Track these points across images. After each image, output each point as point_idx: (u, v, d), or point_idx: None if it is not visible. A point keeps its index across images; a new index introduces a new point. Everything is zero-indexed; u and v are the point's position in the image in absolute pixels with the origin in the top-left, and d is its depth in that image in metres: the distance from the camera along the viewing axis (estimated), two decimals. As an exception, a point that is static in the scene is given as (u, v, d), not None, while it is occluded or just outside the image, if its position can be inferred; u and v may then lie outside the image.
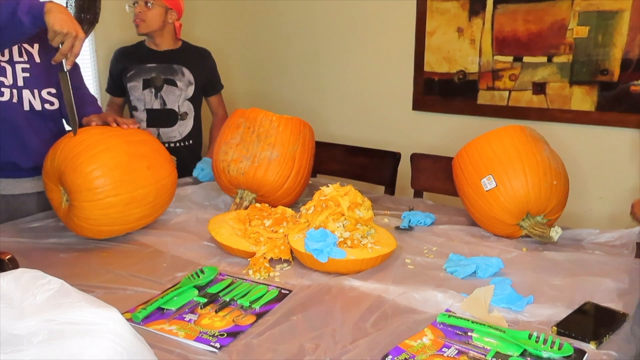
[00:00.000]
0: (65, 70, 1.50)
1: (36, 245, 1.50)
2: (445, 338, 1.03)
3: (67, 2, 2.52)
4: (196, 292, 1.22)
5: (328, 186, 1.46)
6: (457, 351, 0.99)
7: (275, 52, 3.36)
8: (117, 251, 1.49)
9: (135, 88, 2.35)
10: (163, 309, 1.15)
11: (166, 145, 2.32)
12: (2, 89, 1.66)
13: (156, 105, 2.35)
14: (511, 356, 0.97)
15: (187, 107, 2.40)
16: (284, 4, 3.26)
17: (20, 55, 1.70)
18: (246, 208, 1.68)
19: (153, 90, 2.34)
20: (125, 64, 2.38)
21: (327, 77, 3.13)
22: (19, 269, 0.80)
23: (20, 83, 1.69)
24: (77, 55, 1.47)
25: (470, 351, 0.99)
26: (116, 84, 2.43)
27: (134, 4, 2.26)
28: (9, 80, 1.67)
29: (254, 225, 1.50)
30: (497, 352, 0.98)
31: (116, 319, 0.74)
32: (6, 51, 1.67)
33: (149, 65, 2.35)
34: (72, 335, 0.70)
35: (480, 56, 2.68)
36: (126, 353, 0.72)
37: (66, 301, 0.75)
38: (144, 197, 1.53)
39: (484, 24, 2.64)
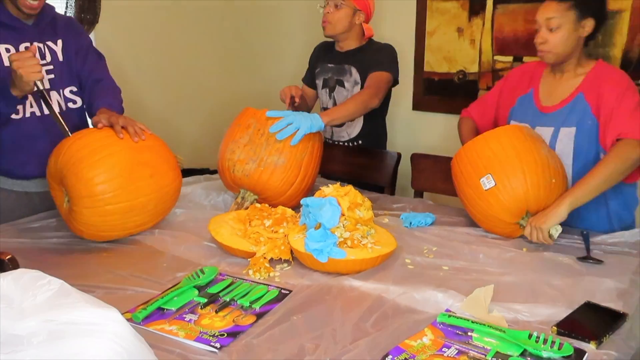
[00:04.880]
0: (41, 88, 1.52)
1: (36, 245, 1.50)
2: (445, 338, 1.03)
3: (67, 2, 2.53)
4: (196, 292, 1.22)
5: (328, 186, 1.46)
6: (457, 351, 0.99)
7: (273, 49, 3.36)
8: (117, 251, 1.49)
9: (318, 86, 2.37)
10: (163, 309, 1.15)
11: (336, 143, 2.36)
12: (28, 99, 1.65)
13: (330, 104, 2.32)
14: (511, 356, 0.97)
15: None
16: (284, 4, 3.26)
17: (43, 57, 1.70)
18: (247, 209, 1.67)
19: (327, 90, 2.33)
20: (316, 60, 2.39)
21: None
22: (19, 269, 0.80)
23: (46, 85, 1.69)
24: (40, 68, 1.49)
25: (470, 351, 0.99)
26: (310, 75, 2.42)
27: (326, 3, 2.20)
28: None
29: (254, 225, 1.50)
30: (497, 352, 0.98)
31: (116, 319, 0.74)
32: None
33: (329, 65, 2.33)
34: (72, 335, 0.70)
35: (480, 56, 2.68)
36: (126, 353, 0.72)
37: (66, 301, 0.75)
38: (144, 205, 1.51)
39: (483, 24, 2.64)
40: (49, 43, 1.72)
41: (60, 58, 1.74)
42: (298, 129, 1.70)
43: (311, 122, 1.74)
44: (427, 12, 2.80)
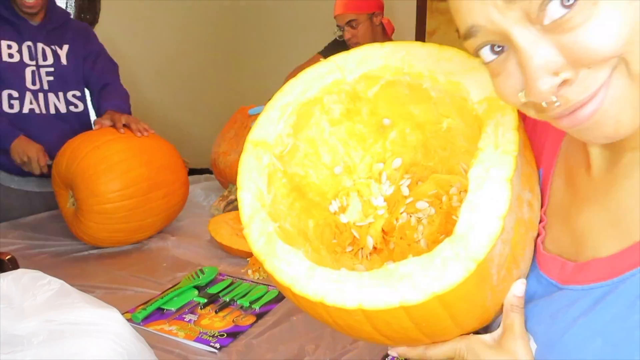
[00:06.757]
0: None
1: (36, 246, 1.50)
2: (445, 338, 1.03)
3: (67, 2, 2.53)
4: (196, 292, 1.22)
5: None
6: (457, 351, 0.99)
7: (272, 49, 3.36)
8: (117, 251, 1.49)
9: None
10: (163, 309, 1.15)
11: None
12: (27, 96, 1.67)
13: None
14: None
15: None
16: (285, 3, 3.26)
17: (45, 58, 1.72)
18: (231, 202, 1.69)
19: None
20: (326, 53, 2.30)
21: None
22: (19, 270, 0.80)
23: (45, 87, 1.71)
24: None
25: (470, 351, 0.99)
26: None
27: (340, 29, 2.12)
28: (35, 85, 1.69)
29: (253, 225, 1.50)
30: (497, 352, 0.98)
31: (116, 319, 0.74)
32: (33, 54, 1.69)
33: None
34: (72, 335, 0.70)
35: (480, 56, 2.68)
36: (126, 353, 0.72)
37: (66, 302, 0.75)
38: (152, 225, 1.52)
39: (483, 24, 2.64)
40: (54, 47, 1.74)
41: (64, 62, 1.76)
42: None
43: None
44: (427, 12, 2.80)
